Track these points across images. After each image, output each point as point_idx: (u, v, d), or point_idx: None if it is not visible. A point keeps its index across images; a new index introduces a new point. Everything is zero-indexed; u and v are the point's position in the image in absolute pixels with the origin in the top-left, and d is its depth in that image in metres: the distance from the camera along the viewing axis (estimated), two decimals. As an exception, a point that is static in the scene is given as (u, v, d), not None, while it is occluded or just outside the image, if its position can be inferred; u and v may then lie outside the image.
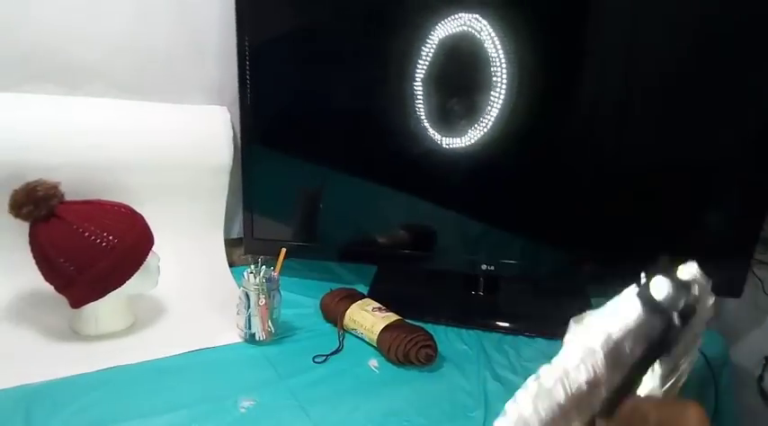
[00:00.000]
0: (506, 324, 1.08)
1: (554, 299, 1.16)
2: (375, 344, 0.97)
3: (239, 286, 1.12)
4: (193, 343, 0.94)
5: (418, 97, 1.02)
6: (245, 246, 1.17)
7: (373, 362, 0.95)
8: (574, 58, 1.01)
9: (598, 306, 0.56)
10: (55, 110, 1.02)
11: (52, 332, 0.95)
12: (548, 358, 0.54)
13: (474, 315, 1.10)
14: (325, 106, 1.09)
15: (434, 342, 0.95)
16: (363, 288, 1.16)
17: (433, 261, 1.15)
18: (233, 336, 0.98)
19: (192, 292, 1.10)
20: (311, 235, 1.19)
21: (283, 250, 0.96)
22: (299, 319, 1.05)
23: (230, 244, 1.23)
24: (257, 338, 0.97)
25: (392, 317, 0.99)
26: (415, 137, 1.04)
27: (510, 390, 0.54)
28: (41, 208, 0.88)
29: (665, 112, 1.01)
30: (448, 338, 1.03)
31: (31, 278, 0.91)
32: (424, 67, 1.00)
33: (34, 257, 0.91)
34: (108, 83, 1.05)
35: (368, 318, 0.99)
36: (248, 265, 0.96)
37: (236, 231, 1.25)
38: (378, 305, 1.03)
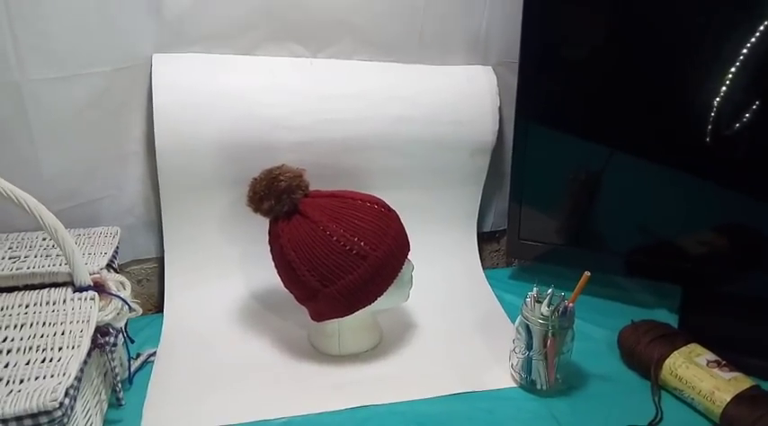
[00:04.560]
0: None
1: None
2: (717, 420, 0.66)
3: (495, 295, 0.90)
4: (456, 383, 0.73)
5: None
6: (508, 249, 0.92)
7: (716, 449, 0.65)
8: None
9: None
10: (296, 75, 0.84)
11: (290, 344, 0.80)
12: None
13: None
14: (623, 67, 0.80)
15: (825, 436, 0.62)
16: (668, 317, 0.85)
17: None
18: (503, 376, 0.75)
19: (443, 303, 0.88)
20: (591, 238, 0.90)
21: (586, 274, 0.68)
22: (587, 358, 0.77)
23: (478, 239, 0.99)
24: (538, 386, 0.72)
25: (743, 382, 0.67)
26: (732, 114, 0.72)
27: None
28: (284, 202, 0.71)
29: None
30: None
31: (267, 274, 0.77)
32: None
33: (273, 259, 0.75)
34: (355, 39, 0.84)
35: (704, 378, 0.68)
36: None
37: (487, 224, 1.00)
38: (714, 357, 0.71)
